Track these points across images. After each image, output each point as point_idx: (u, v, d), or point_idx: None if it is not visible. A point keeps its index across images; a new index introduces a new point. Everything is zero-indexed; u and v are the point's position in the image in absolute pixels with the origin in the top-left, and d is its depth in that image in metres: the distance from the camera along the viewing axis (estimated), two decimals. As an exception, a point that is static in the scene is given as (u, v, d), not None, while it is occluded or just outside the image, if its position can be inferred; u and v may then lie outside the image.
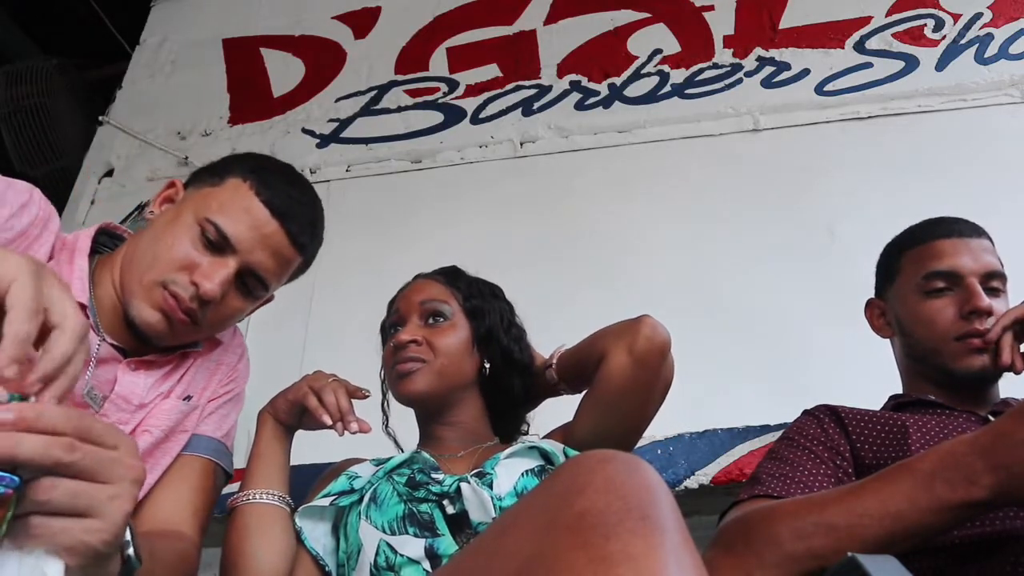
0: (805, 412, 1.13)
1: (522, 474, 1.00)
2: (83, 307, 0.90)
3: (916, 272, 1.16)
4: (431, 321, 1.15)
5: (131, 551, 0.58)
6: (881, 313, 1.25)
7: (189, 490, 1.01)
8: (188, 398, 1.03)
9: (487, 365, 1.16)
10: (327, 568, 1.02)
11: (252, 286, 1.00)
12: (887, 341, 1.26)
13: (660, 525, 0.54)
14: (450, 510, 0.96)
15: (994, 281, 1.12)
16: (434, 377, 1.11)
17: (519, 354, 1.19)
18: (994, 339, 1.07)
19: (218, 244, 0.95)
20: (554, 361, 1.18)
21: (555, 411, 1.22)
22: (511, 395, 1.19)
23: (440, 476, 1.01)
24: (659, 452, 1.48)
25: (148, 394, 0.99)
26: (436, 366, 1.11)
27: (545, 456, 1.04)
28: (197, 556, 0.97)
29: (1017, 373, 1.07)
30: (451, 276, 1.22)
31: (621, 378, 1.03)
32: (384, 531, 0.96)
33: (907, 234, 1.23)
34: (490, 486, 0.97)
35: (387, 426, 1.26)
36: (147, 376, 0.99)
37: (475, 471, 1.02)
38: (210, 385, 1.08)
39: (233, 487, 1.12)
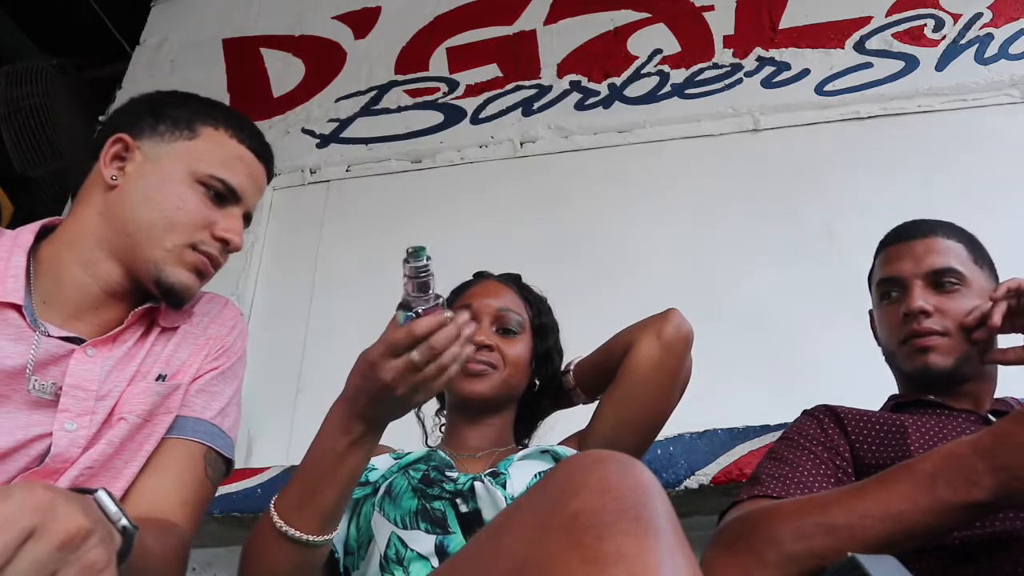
0: (804, 412, 1.13)
1: (535, 475, 1.02)
2: (18, 307, 0.87)
3: (875, 280, 1.20)
4: (505, 329, 1.18)
5: (124, 521, 0.60)
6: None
7: (174, 478, 0.92)
8: (162, 377, 0.96)
9: (536, 382, 1.21)
10: (336, 554, 1.03)
11: (246, 223, 1.06)
12: (887, 341, 1.27)
13: (654, 525, 0.55)
14: (463, 508, 0.98)
15: (945, 277, 1.10)
16: (499, 385, 1.15)
17: (560, 375, 1.24)
18: (996, 298, 1.03)
19: (226, 197, 1.00)
20: (572, 367, 1.22)
21: (564, 423, 1.25)
22: (541, 410, 1.25)
23: (454, 474, 1.02)
24: (659, 452, 1.48)
25: (109, 378, 0.92)
26: (503, 375, 1.15)
27: (557, 460, 1.06)
28: (186, 551, 0.88)
29: (1008, 364, 1.06)
30: (520, 285, 1.26)
31: (648, 363, 1.08)
32: (396, 524, 0.97)
33: (880, 242, 1.24)
34: (503, 486, 0.98)
35: (419, 411, 1.25)
36: (104, 360, 0.92)
37: (489, 471, 1.03)
38: (194, 362, 1.01)
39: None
